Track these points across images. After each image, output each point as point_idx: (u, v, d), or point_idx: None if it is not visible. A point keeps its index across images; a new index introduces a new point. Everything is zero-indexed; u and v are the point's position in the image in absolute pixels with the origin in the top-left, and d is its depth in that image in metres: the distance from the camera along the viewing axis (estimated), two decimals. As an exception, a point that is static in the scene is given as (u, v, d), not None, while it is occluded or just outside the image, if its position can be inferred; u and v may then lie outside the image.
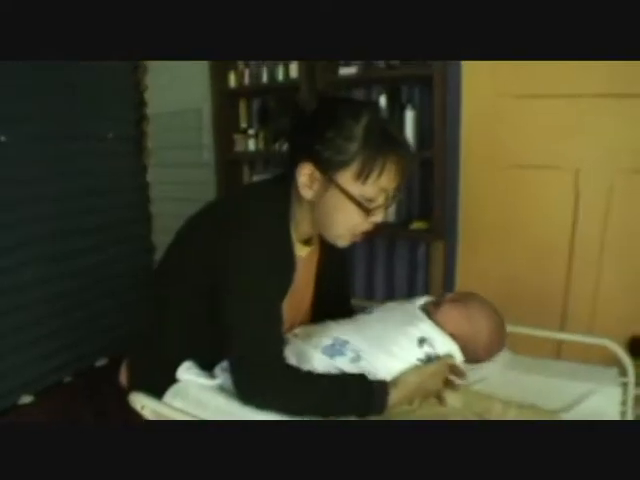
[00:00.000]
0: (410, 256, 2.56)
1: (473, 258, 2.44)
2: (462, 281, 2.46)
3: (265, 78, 2.67)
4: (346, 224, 1.05)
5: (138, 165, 3.26)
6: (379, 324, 1.15)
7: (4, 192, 2.44)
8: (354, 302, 1.46)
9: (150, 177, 3.34)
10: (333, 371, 1.05)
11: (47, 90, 2.63)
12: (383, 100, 2.47)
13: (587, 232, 2.20)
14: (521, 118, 2.28)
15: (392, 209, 2.55)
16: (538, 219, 2.30)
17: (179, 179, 3.20)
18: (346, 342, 1.08)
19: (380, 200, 1.03)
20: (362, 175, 0.99)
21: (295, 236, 1.12)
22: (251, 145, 2.77)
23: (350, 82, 2.56)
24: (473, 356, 1.18)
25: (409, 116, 2.40)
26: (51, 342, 2.64)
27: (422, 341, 1.10)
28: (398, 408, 1.04)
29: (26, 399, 2.49)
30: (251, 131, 2.78)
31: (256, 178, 2.86)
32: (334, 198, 1.02)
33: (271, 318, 1.02)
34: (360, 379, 1.01)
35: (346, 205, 1.02)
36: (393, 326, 1.13)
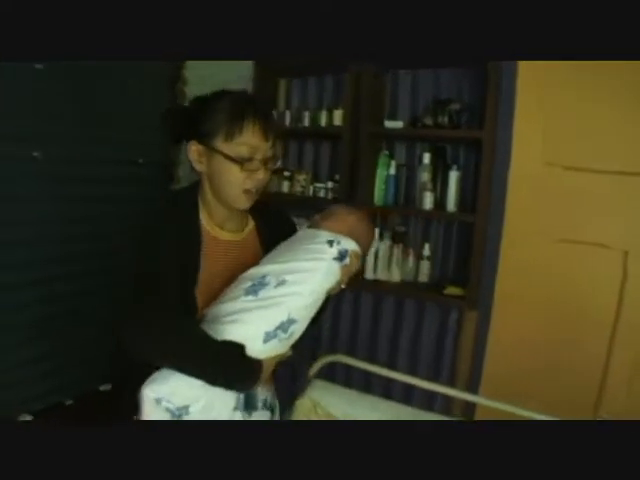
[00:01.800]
0: (440, 321, 2.44)
1: (506, 328, 2.32)
2: (493, 350, 2.34)
3: (307, 122, 2.60)
4: (234, 183, 1.21)
5: (166, 192, 3.22)
6: (286, 250, 1.25)
7: (31, 207, 2.46)
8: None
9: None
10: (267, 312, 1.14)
11: (83, 113, 2.66)
12: (427, 158, 2.40)
13: (632, 316, 2.09)
14: (569, 190, 2.19)
15: (425, 269, 2.46)
16: (580, 296, 2.19)
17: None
18: (264, 275, 1.17)
19: (255, 157, 1.20)
20: (228, 135, 1.18)
21: (210, 222, 1.29)
22: (285, 187, 2.69)
23: (394, 136, 2.50)
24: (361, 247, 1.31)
25: (453, 176, 2.33)
26: (52, 361, 2.64)
27: (331, 242, 1.22)
28: None
29: (24, 417, 2.48)
30: (286, 173, 2.71)
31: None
32: (218, 163, 1.20)
33: (153, 283, 1.17)
34: (238, 347, 1.10)
35: (227, 165, 1.19)
36: (299, 244, 1.25)
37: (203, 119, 1.21)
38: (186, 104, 1.28)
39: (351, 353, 2.58)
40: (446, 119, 2.30)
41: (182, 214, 1.27)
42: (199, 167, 1.25)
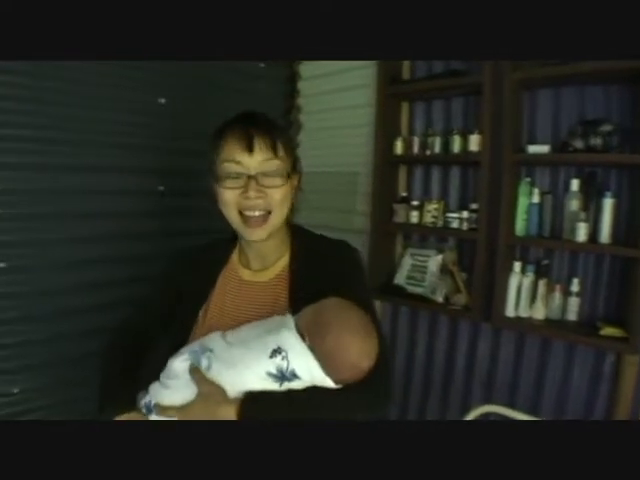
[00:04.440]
0: (593, 365, 2.20)
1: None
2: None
3: (437, 147, 2.46)
4: (225, 204, 1.12)
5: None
6: (247, 330, 1.06)
7: (154, 244, 2.44)
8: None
9: (291, 236, 3.21)
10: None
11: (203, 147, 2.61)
12: (575, 184, 2.18)
13: None
14: None
15: (574, 306, 2.23)
16: None
17: (323, 242, 3.02)
18: (209, 349, 1.03)
19: (241, 172, 1.09)
20: (214, 152, 1.13)
21: (239, 259, 1.25)
22: (414, 217, 2.54)
23: (536, 161, 2.30)
24: (337, 376, 0.99)
25: (608, 204, 2.10)
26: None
27: (276, 352, 0.96)
28: None
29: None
30: (414, 202, 2.56)
31: (410, 251, 2.64)
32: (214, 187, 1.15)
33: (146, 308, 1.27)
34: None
35: (216, 187, 1.13)
36: (256, 333, 1.03)
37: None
38: None
39: (487, 396, 2.39)
40: (599, 141, 2.09)
41: (214, 248, 1.28)
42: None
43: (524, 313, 2.28)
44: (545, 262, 2.30)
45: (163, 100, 2.42)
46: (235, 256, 1.26)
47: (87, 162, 2.20)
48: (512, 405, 2.06)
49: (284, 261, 1.21)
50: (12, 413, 2.07)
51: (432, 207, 2.50)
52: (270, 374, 0.95)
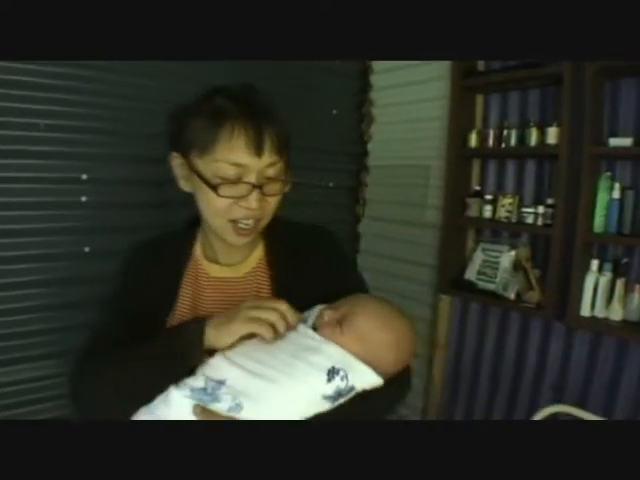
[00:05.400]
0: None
1: None
2: None
3: (513, 141, 2.40)
4: (214, 211, 0.94)
5: (352, 216, 3.19)
6: (266, 353, 0.86)
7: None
8: None
9: (361, 228, 3.23)
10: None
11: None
12: (661, 179, 2.08)
13: None
14: None
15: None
16: None
17: (392, 235, 3.03)
18: (221, 383, 0.82)
19: (243, 179, 0.90)
20: (202, 147, 0.90)
21: (203, 254, 1.07)
22: (487, 212, 2.50)
23: (619, 155, 2.20)
24: (386, 375, 0.90)
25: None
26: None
27: (332, 372, 0.83)
28: None
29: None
30: (488, 196, 2.51)
31: (482, 246, 2.59)
32: (197, 183, 0.94)
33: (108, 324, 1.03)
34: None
35: (204, 188, 0.92)
36: (286, 354, 0.85)
37: (185, 124, 0.93)
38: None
39: (557, 397, 2.33)
40: (686, 135, 1.98)
41: (172, 242, 1.09)
42: (184, 185, 0.99)
43: (600, 313, 2.19)
44: (625, 260, 2.20)
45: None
46: (198, 250, 1.08)
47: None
48: (583, 407, 1.99)
49: (258, 253, 1.08)
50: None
51: (507, 201, 2.44)
52: (326, 397, 0.83)
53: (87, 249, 2.15)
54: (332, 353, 0.86)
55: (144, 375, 0.88)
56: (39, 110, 1.98)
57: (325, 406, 0.84)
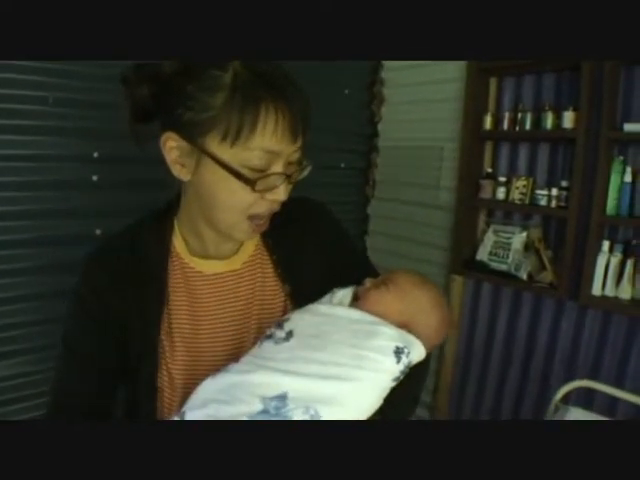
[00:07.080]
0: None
1: None
2: None
3: (528, 124, 2.44)
4: (234, 206, 0.79)
5: (361, 197, 3.23)
6: (319, 343, 0.78)
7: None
8: None
9: (370, 210, 3.27)
10: None
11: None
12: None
13: None
14: None
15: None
16: None
17: (403, 216, 3.07)
18: (282, 398, 0.71)
19: (272, 167, 0.78)
20: (230, 134, 0.74)
21: (187, 249, 0.91)
22: (500, 193, 2.55)
23: (629, 140, 2.26)
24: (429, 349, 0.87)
25: None
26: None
27: (399, 352, 0.78)
28: None
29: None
30: (502, 178, 2.57)
31: (493, 227, 2.65)
32: (210, 172, 0.77)
33: (67, 359, 0.89)
34: None
35: (226, 179, 0.76)
36: (344, 342, 0.78)
37: (190, 99, 0.75)
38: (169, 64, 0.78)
39: (569, 375, 2.41)
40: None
41: (137, 245, 0.89)
42: (180, 174, 0.81)
43: (610, 293, 2.28)
44: (635, 242, 2.28)
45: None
46: (178, 244, 0.92)
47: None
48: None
49: (253, 239, 0.95)
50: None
51: (520, 183, 2.50)
52: (395, 379, 0.79)
53: (98, 231, 2.06)
54: (390, 332, 0.81)
55: None
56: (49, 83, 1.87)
57: (391, 385, 0.80)
